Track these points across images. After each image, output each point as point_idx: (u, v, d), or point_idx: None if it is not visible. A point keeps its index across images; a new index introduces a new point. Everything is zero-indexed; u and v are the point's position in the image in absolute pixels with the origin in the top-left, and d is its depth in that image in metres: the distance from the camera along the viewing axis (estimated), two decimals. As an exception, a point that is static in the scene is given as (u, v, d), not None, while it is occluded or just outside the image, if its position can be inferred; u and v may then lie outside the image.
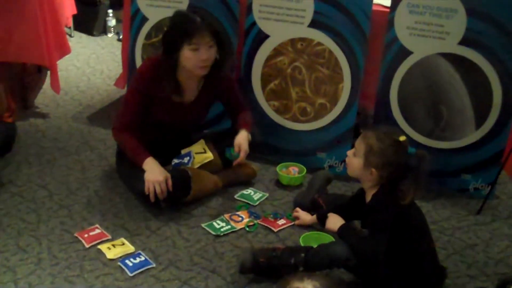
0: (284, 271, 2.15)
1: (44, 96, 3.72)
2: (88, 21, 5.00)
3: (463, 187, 2.91)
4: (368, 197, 2.13)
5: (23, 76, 3.53)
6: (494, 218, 2.75)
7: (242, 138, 2.67)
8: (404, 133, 2.10)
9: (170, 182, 2.51)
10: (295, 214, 2.59)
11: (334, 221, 2.24)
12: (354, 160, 2.13)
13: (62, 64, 4.29)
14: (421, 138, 2.88)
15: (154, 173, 2.51)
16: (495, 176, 2.78)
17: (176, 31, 2.54)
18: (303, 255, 2.16)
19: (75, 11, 4.24)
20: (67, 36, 4.86)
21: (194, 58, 2.53)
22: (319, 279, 1.33)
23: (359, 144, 2.11)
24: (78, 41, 4.85)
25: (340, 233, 2.17)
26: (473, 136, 2.82)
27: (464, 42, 2.71)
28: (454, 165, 2.89)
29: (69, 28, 4.92)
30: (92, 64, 4.38)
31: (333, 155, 3.03)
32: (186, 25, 2.51)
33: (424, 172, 2.00)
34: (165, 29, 2.68)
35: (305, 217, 2.55)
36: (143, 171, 2.55)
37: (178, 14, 2.60)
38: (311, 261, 2.13)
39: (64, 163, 2.97)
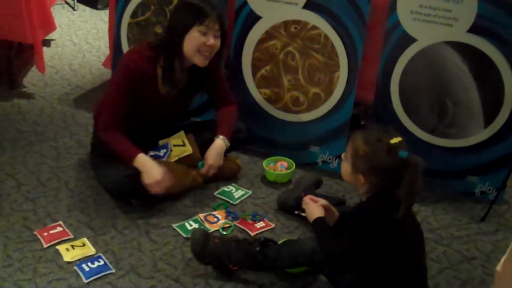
0: (240, 256, 2.04)
1: (33, 75, 3.54)
2: (92, -7, 4.80)
3: (468, 190, 2.65)
4: None
5: (10, 54, 3.36)
6: (499, 227, 2.48)
7: (212, 150, 2.50)
8: (404, 131, 1.82)
9: (169, 176, 2.36)
10: (305, 200, 2.08)
11: (313, 211, 1.96)
12: (344, 165, 1.89)
13: (59, 40, 4.12)
14: (424, 135, 2.62)
15: (151, 175, 2.32)
16: (503, 180, 2.50)
17: (189, 11, 2.36)
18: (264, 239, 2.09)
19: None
20: (71, 9, 4.71)
21: (201, 40, 2.34)
22: None
23: (348, 146, 1.87)
24: (81, 15, 4.65)
25: (313, 224, 1.94)
26: (481, 134, 2.55)
27: (474, 29, 2.42)
28: (459, 166, 2.63)
29: (71, 1, 4.74)
30: (90, 40, 4.18)
31: (327, 150, 2.78)
32: (200, 6, 2.34)
33: (417, 181, 1.71)
34: (172, 12, 2.49)
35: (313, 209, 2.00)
36: (114, 165, 2.39)
37: None
38: (276, 255, 2.03)
39: (39, 150, 2.80)
